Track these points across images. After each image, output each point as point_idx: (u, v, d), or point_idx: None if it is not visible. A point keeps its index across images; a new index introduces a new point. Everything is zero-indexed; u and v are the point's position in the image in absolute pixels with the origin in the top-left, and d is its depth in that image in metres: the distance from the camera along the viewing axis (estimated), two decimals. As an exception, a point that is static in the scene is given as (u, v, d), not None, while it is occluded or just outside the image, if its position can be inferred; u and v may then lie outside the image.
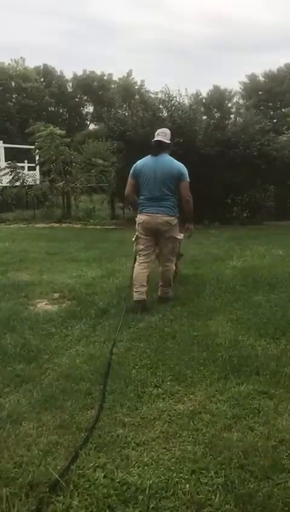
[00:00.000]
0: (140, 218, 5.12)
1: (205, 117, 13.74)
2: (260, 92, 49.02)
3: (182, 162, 5.13)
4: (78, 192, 17.31)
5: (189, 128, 12.70)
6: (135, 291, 5.00)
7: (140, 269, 5.09)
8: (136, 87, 47.31)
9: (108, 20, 65.51)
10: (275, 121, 13.86)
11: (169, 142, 5.11)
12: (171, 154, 5.22)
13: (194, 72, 52.84)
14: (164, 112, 13.07)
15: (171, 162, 5.05)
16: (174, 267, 5.38)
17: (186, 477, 2.28)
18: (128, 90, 44.90)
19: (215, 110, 12.65)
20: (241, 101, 50.39)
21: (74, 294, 5.66)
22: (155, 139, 5.10)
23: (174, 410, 2.89)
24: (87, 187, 17.53)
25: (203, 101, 15.26)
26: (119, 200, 16.25)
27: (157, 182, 4.97)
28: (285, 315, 4.51)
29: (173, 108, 13.01)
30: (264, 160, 12.93)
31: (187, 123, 12.69)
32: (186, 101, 13.71)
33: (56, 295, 5.71)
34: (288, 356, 3.60)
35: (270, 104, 49.57)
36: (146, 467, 2.36)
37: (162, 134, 5.09)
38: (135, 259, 5.25)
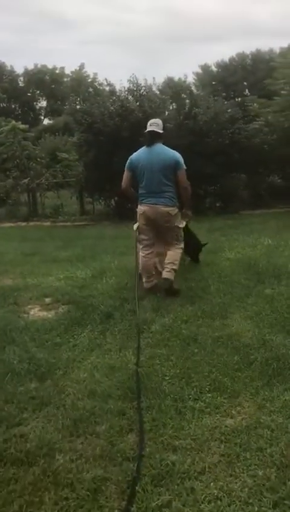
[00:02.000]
0: (141, 209, 5.15)
1: (174, 105, 13.36)
2: (214, 82, 49.11)
3: None
4: (44, 189, 16.71)
5: (159, 117, 12.34)
6: (145, 281, 5.12)
7: (146, 260, 5.17)
8: (89, 80, 46.44)
9: (58, 13, 63.89)
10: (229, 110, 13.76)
11: (162, 131, 5.11)
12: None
13: (146, 64, 52.32)
14: (132, 102, 12.63)
15: (166, 152, 5.05)
16: (181, 252, 5.32)
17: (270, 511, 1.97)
18: (81, 84, 43.99)
19: (186, 98, 12.33)
20: (195, 92, 50.40)
21: (68, 298, 5.24)
22: (148, 129, 5.07)
23: (226, 426, 2.57)
24: (53, 183, 16.94)
25: (192, 87, 14.79)
26: (88, 195, 15.78)
27: (154, 173, 4.98)
28: (303, 309, 4.27)
29: (142, 98, 12.60)
30: (236, 148, 12.77)
31: (157, 113, 12.34)
32: (155, 89, 13.37)
33: (48, 300, 5.28)
34: None
35: (224, 94, 49.82)
36: (219, 502, 2.04)
37: (155, 125, 5.08)
38: (137, 247, 5.36)
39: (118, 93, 13.07)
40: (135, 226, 5.31)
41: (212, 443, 2.44)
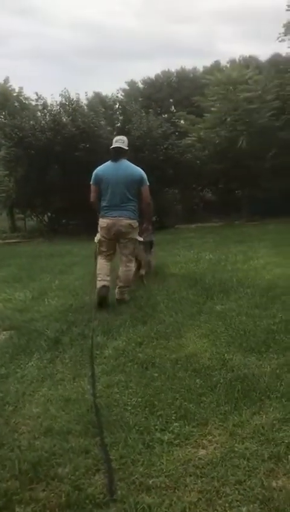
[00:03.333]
0: (103, 221, 5.29)
1: (103, 122, 13.27)
2: (141, 99, 49.96)
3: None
4: None
5: (93, 133, 12.22)
6: (99, 280, 5.21)
7: (103, 262, 5.34)
8: (14, 94, 45.45)
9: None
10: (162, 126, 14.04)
11: (127, 148, 5.39)
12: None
13: (71, 79, 51.95)
14: (64, 116, 12.39)
15: (131, 168, 5.31)
16: (134, 268, 5.58)
17: None
18: (6, 98, 42.91)
19: (119, 113, 12.30)
20: (116, 108, 50.89)
21: (9, 323, 4.92)
22: (113, 146, 5.32)
23: (199, 459, 2.41)
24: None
25: (111, 103, 14.73)
26: (20, 211, 15.26)
27: (119, 187, 5.19)
28: (257, 324, 4.25)
29: (75, 113, 12.39)
30: (170, 164, 12.89)
31: (91, 127, 12.20)
32: (84, 104, 13.20)
33: (-14, 325, 4.91)
34: (288, 372, 3.30)
35: (151, 110, 50.84)
36: None
37: (120, 141, 5.36)
38: (96, 258, 5.45)
39: (49, 107, 12.76)
40: (96, 238, 5.43)
41: (187, 479, 2.27)
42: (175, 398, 3.02)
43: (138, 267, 5.95)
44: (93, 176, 5.39)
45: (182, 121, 19.41)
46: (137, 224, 5.35)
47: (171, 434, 2.64)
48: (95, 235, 5.47)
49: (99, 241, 5.36)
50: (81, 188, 12.51)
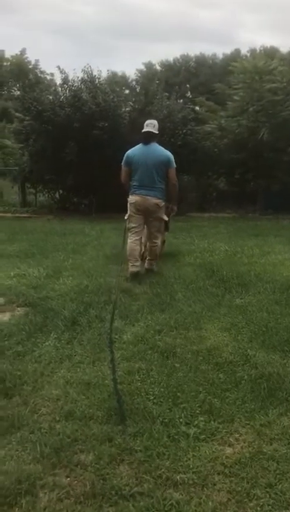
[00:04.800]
0: (132, 198, 5.70)
1: (130, 102, 13.05)
2: (157, 81, 49.35)
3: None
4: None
5: (113, 112, 12.01)
6: (131, 265, 5.62)
7: (133, 246, 5.70)
8: (30, 66, 44.78)
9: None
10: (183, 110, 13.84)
11: (157, 132, 5.73)
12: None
13: (87, 56, 51.12)
14: (85, 93, 12.16)
15: (161, 150, 5.70)
16: (160, 244, 6.00)
17: None
18: (22, 69, 42.27)
19: (142, 94, 12.01)
20: (138, 89, 50.27)
21: (24, 299, 4.84)
22: (145, 129, 5.65)
23: (227, 457, 2.35)
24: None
25: (132, 84, 14.43)
26: (31, 186, 15.10)
27: (149, 169, 5.55)
28: (278, 322, 4.16)
29: (96, 90, 12.16)
30: (187, 150, 12.68)
31: (112, 106, 11.98)
32: (105, 82, 12.94)
33: (1, 300, 4.84)
34: (314, 374, 3.22)
35: (167, 94, 50.19)
36: None
37: (151, 126, 5.67)
38: (126, 235, 5.82)
39: (70, 83, 12.52)
40: (126, 216, 5.79)
41: (216, 477, 2.21)
42: (199, 391, 2.95)
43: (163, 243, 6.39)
44: (124, 158, 5.77)
45: (197, 107, 19.11)
46: (163, 203, 5.72)
47: (196, 428, 2.57)
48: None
49: (129, 216, 5.75)
50: (95, 167, 12.48)
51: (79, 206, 14.38)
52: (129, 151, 5.75)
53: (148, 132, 5.65)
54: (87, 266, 6.34)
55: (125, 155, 5.76)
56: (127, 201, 5.84)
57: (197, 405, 2.80)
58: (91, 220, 12.00)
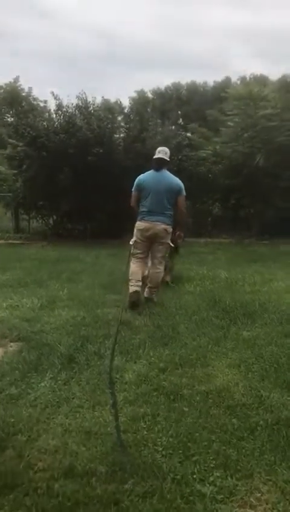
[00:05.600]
0: (140, 224, 5.66)
1: (124, 128, 12.99)
2: (149, 109, 49.90)
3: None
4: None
5: (108, 138, 11.93)
6: (131, 285, 5.52)
7: (135, 267, 5.66)
8: (23, 94, 45.20)
9: (-5, 23, 61.87)
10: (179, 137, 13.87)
11: (169, 160, 5.76)
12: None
13: (81, 85, 51.71)
14: (80, 119, 12.08)
15: (172, 178, 5.70)
16: (163, 271, 5.85)
17: None
18: (15, 96, 42.60)
19: (136, 120, 11.96)
20: (132, 116, 50.78)
21: (17, 333, 4.56)
22: (156, 156, 5.65)
23: (250, 523, 2.07)
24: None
25: (125, 110, 14.55)
26: (25, 212, 14.91)
27: (160, 195, 5.55)
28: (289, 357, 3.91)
29: (91, 116, 12.10)
30: (183, 176, 12.55)
31: (107, 132, 11.91)
32: (101, 110, 12.90)
33: (-8, 334, 4.55)
34: None
35: (159, 121, 50.75)
36: None
37: (163, 153, 5.68)
38: (129, 260, 5.74)
39: (64, 109, 12.45)
40: (132, 241, 5.73)
41: None
42: (211, 441, 2.67)
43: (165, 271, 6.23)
44: (135, 183, 5.76)
45: (188, 134, 19.18)
46: (171, 229, 5.70)
47: (212, 486, 2.29)
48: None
49: (135, 242, 5.69)
50: (90, 193, 12.34)
51: (73, 232, 14.17)
52: (141, 176, 5.76)
53: (160, 159, 5.65)
54: (83, 296, 6.08)
55: (137, 180, 5.76)
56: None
57: (211, 457, 2.51)
58: (86, 246, 11.78)
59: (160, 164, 5.64)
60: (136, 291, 5.51)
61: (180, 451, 2.57)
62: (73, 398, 3.21)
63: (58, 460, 2.50)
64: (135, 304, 5.41)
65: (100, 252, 10.50)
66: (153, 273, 5.71)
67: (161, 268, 5.76)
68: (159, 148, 5.79)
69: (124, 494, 2.24)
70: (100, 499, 2.20)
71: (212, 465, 2.45)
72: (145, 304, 5.57)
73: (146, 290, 5.71)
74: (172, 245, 5.87)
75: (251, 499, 2.22)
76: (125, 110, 15.93)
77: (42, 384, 3.43)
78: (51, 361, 3.81)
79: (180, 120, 47.86)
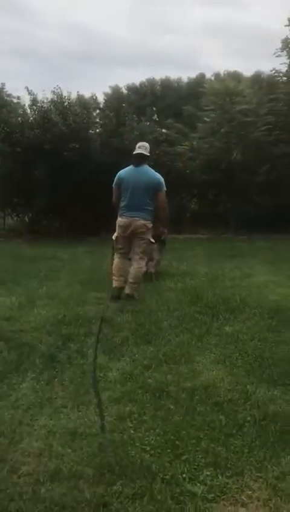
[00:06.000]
0: (120, 220, 5.64)
1: (100, 122, 12.87)
2: (124, 104, 49.77)
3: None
4: None
5: (85, 133, 11.80)
6: (115, 280, 5.67)
7: (119, 262, 5.71)
8: (-5, 89, 44.53)
9: None
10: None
11: (148, 154, 5.74)
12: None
13: (54, 81, 50.94)
14: (55, 114, 11.89)
15: (151, 173, 5.66)
16: (145, 268, 5.83)
17: None
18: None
19: (112, 115, 11.81)
20: (106, 111, 50.52)
21: (-5, 332, 4.43)
22: (136, 151, 5.62)
23: (243, 521, 2.03)
24: None
25: (101, 105, 14.41)
26: (0, 209, 14.63)
27: (139, 190, 5.51)
28: (274, 351, 3.90)
29: (66, 111, 11.93)
30: (160, 171, 12.51)
31: (83, 128, 11.77)
32: (77, 105, 12.70)
33: None
34: None
35: (134, 116, 50.60)
36: None
37: (143, 148, 5.65)
38: (114, 255, 5.80)
39: (39, 104, 12.24)
40: (114, 236, 5.77)
41: None
42: (199, 438, 2.63)
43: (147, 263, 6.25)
44: (115, 179, 5.73)
45: (163, 130, 19.10)
46: (151, 225, 5.66)
47: (203, 486, 2.24)
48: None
49: (116, 238, 5.72)
50: (66, 189, 12.17)
51: (49, 229, 13.99)
52: (120, 172, 5.73)
53: (139, 154, 5.61)
54: (62, 294, 5.98)
55: (117, 176, 5.73)
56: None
57: (200, 456, 2.47)
58: (62, 243, 11.63)
59: (140, 159, 5.60)
60: (118, 287, 5.61)
61: (169, 450, 2.52)
62: (56, 399, 3.13)
63: (44, 463, 2.42)
64: (118, 296, 5.54)
65: (77, 249, 10.37)
66: (134, 269, 5.63)
67: (142, 263, 5.71)
68: (139, 144, 5.75)
69: (113, 496, 2.17)
70: (89, 502, 2.14)
71: (201, 464, 2.41)
72: (126, 300, 5.49)
73: (127, 286, 5.61)
74: (152, 241, 5.83)
75: (242, 497, 2.19)
76: (101, 106, 15.82)
77: (24, 384, 3.34)
78: (32, 361, 3.72)
79: (155, 116, 47.78)
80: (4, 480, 2.29)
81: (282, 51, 13.77)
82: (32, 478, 2.31)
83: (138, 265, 5.64)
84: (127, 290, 5.58)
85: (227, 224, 13.45)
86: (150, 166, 6.17)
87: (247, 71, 42.77)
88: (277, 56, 13.78)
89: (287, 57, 13.82)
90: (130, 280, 5.61)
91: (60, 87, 12.51)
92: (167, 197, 5.82)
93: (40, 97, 12.52)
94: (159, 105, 50.37)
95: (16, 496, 2.18)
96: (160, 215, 5.83)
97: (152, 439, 2.62)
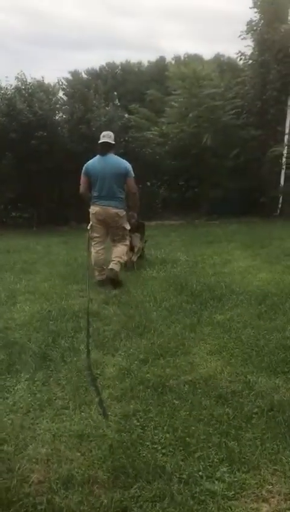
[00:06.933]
0: (93, 209, 5.72)
1: (66, 107, 12.53)
2: (85, 89, 48.92)
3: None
4: None
5: (51, 121, 11.49)
6: (97, 275, 5.80)
7: (98, 255, 5.78)
8: None
9: None
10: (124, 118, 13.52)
11: (114, 142, 5.80)
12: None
13: (13, 66, 49.31)
14: (20, 101, 11.48)
15: (118, 161, 5.73)
16: (126, 248, 5.97)
17: None
18: None
19: (79, 101, 11.46)
20: (65, 98, 49.49)
21: (-20, 332, 4.27)
22: (101, 140, 5.68)
23: (267, 518, 2.00)
24: None
25: (66, 90, 13.96)
26: None
27: (107, 179, 5.58)
28: (268, 339, 3.89)
29: (32, 98, 11.53)
30: (129, 158, 12.34)
31: (50, 115, 11.44)
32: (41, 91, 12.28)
33: None
34: None
35: (95, 101, 49.76)
36: None
37: (107, 136, 5.72)
38: (90, 245, 5.86)
39: (3, 91, 11.80)
40: (89, 225, 5.82)
41: None
42: (209, 433, 2.59)
43: (131, 251, 6.42)
44: (83, 169, 5.75)
45: (126, 115, 18.83)
46: (124, 213, 5.78)
47: (221, 483, 2.21)
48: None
49: (92, 226, 5.78)
50: (34, 178, 11.87)
51: (19, 220, 13.62)
52: (88, 163, 5.76)
53: (105, 143, 5.68)
54: (43, 288, 5.82)
55: (84, 166, 5.76)
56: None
57: (213, 452, 2.43)
58: (34, 234, 11.36)
59: (105, 148, 5.66)
60: (102, 280, 5.75)
61: (181, 448, 2.47)
62: (55, 400, 3.04)
63: (54, 470, 2.34)
64: (104, 284, 5.67)
65: (51, 240, 10.14)
66: (116, 248, 5.80)
67: (123, 246, 5.85)
68: (104, 133, 5.80)
69: (132, 500, 2.11)
70: (107, 508, 2.07)
71: (216, 460, 2.38)
72: (110, 292, 5.41)
73: (111, 262, 5.64)
74: (128, 227, 5.90)
75: (263, 492, 2.17)
76: (66, 92, 15.41)
77: (19, 386, 3.22)
78: (24, 361, 3.60)
79: (117, 101, 47.19)
80: (15, 490, 2.19)
81: (247, 33, 13.69)
82: (44, 486, 2.23)
83: (120, 248, 5.80)
84: (111, 266, 5.62)
85: (198, 210, 13.42)
86: (119, 153, 6.17)
87: (206, 55, 42.63)
88: (242, 38, 13.70)
89: (251, 39, 13.74)
90: (113, 256, 5.71)
91: (24, 73, 12.10)
92: (136, 184, 5.81)
93: (3, 84, 12.07)
94: (121, 90, 49.79)
95: (30, 507, 2.10)
96: (130, 201, 5.89)
97: (162, 438, 2.57)
